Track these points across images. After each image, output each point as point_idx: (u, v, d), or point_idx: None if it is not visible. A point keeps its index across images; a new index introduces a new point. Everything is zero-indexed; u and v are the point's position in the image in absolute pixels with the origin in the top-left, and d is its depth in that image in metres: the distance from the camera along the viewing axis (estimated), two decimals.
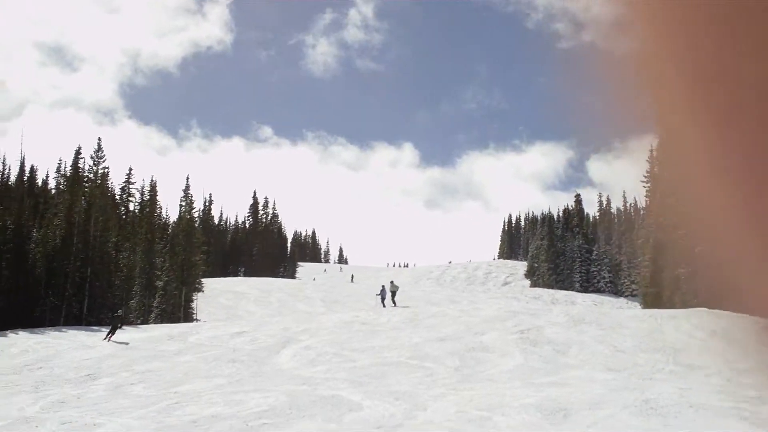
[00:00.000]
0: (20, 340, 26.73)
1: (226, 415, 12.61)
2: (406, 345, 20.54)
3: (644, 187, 49.21)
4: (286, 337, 22.77)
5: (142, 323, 41.20)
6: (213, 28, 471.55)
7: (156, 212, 59.65)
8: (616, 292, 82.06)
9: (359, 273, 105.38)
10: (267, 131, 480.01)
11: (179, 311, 47.38)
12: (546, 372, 16.44)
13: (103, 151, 47.84)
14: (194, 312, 49.81)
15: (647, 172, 45.42)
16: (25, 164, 59.51)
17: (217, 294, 59.14)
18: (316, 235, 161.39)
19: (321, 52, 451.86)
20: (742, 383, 13.84)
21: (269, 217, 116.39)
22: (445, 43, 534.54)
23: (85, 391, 16.32)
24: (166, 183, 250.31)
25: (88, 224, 43.35)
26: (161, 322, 41.17)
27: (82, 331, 30.54)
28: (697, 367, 16.70)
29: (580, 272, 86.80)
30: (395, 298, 40.51)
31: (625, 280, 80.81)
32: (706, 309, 23.44)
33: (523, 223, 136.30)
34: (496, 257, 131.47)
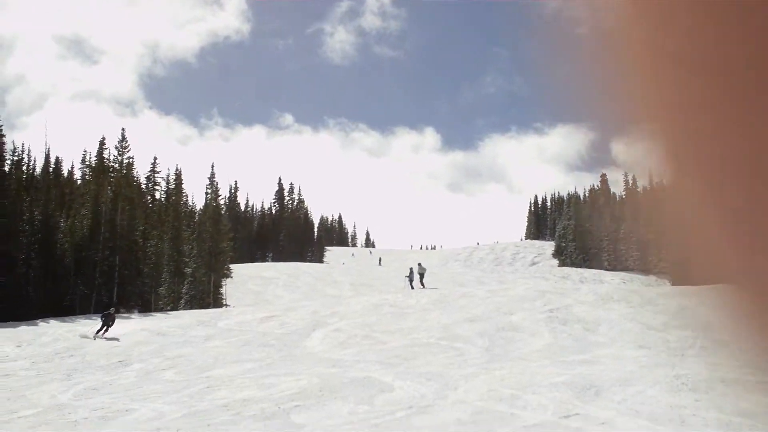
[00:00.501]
0: (51, 328, 27.06)
1: (257, 398, 12.65)
2: (436, 326, 20.48)
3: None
4: (315, 321, 22.81)
5: (172, 309, 41.68)
6: (230, 18, 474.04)
7: (182, 200, 60.11)
8: (645, 270, 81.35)
9: (386, 256, 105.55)
10: (288, 119, 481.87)
11: (208, 297, 47.84)
12: (576, 350, 16.30)
13: (127, 141, 48.35)
14: (223, 297, 50.26)
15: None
16: (50, 156, 59.76)
17: (246, 279, 59.55)
18: (343, 219, 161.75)
19: (339, 40, 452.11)
20: None
21: (295, 203, 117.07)
22: (463, 29, 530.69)
23: (116, 377, 16.45)
24: (190, 172, 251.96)
25: (114, 213, 43.80)
26: (191, 308, 41.52)
27: None
28: (727, 342, 16.46)
29: (608, 251, 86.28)
30: (423, 280, 40.53)
31: (654, 258, 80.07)
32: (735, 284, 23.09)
33: (549, 203, 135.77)
34: (523, 238, 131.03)
